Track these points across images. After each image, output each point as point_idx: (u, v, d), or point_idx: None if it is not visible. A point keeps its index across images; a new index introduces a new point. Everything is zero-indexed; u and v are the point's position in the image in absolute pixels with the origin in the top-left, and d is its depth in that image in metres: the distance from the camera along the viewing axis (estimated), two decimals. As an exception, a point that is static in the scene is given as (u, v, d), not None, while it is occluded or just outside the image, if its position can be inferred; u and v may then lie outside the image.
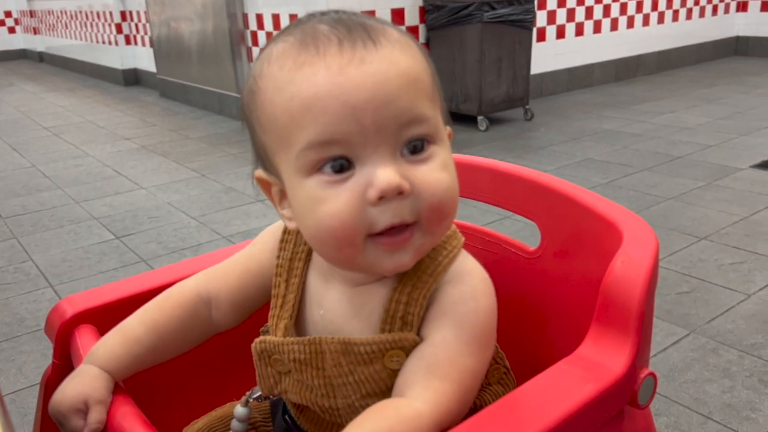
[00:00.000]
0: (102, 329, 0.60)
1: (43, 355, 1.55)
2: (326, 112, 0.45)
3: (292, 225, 0.53)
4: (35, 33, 8.05)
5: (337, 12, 0.51)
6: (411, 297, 0.52)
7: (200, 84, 4.52)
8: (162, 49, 4.97)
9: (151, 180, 2.94)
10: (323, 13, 0.51)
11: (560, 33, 4.32)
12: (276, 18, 3.74)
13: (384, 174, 0.45)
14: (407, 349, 0.51)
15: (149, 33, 5.22)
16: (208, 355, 0.64)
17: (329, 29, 0.47)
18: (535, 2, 3.53)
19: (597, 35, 4.53)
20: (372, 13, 3.43)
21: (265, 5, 3.81)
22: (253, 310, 0.62)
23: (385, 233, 0.47)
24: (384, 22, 0.51)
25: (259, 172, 0.54)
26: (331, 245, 0.48)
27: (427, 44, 3.59)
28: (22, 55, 8.44)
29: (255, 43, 3.99)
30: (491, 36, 3.34)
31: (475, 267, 0.55)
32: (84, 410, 0.53)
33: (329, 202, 0.46)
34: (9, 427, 0.31)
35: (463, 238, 0.57)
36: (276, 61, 0.48)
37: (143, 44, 5.54)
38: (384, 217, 0.46)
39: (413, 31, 3.62)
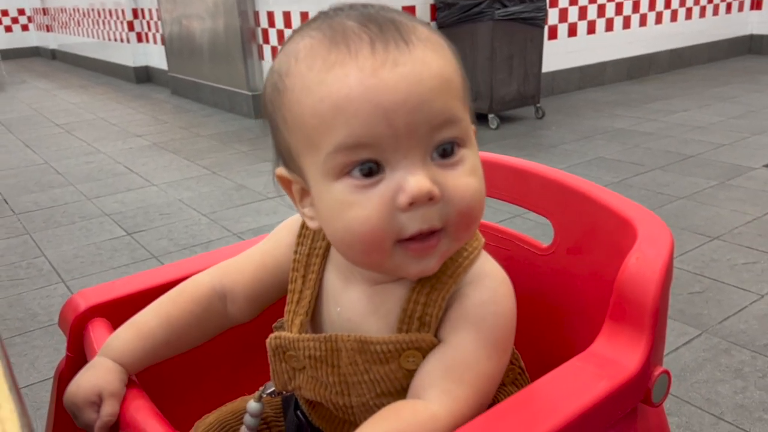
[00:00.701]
0: (115, 323, 0.61)
1: (56, 350, 1.56)
2: (357, 115, 0.44)
3: (314, 225, 0.52)
4: (48, 30, 8.10)
5: (364, 6, 0.49)
6: (430, 298, 0.52)
7: (211, 82, 4.54)
8: (173, 46, 4.99)
9: (162, 177, 2.96)
10: (350, 7, 0.49)
11: (572, 31, 4.30)
12: (287, 15, 3.75)
13: (415, 180, 0.45)
14: (424, 350, 0.51)
15: (161, 31, 5.24)
16: (221, 348, 0.64)
17: (359, 27, 0.46)
18: (547, 0, 3.51)
19: (609, 33, 4.51)
20: (383, 10, 3.43)
21: (275, 3, 3.81)
22: (268, 304, 0.62)
23: (414, 239, 0.47)
24: (412, 17, 0.49)
25: (281, 170, 0.53)
26: (359, 250, 0.48)
27: (438, 42, 3.58)
28: (35, 52, 8.50)
29: (266, 40, 4.00)
30: (502, 34, 3.33)
31: (496, 269, 0.54)
32: (97, 402, 0.53)
33: (358, 207, 0.46)
34: (26, 419, 0.31)
35: (483, 240, 0.56)
36: (304, 59, 0.47)
37: (155, 42, 5.57)
38: (413, 223, 0.46)
39: (424, 28, 3.61)
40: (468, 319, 0.51)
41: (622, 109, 3.82)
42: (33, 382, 1.43)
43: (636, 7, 4.62)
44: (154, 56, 5.62)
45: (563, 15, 4.22)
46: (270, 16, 3.89)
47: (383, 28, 0.46)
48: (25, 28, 8.42)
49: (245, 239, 2.15)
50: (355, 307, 0.54)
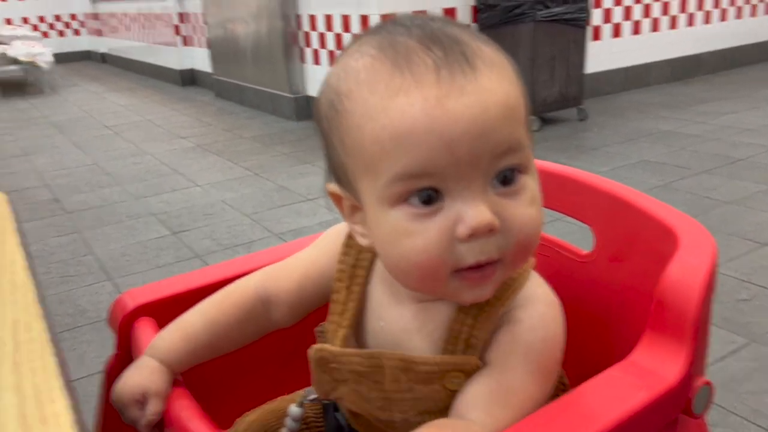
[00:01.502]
0: (161, 322, 0.63)
1: (103, 346, 1.62)
2: (420, 145, 0.43)
3: (364, 241, 0.52)
4: (99, 35, 8.36)
5: (426, 20, 0.48)
6: (477, 320, 0.51)
7: (254, 84, 4.61)
8: (218, 50, 5.09)
9: (205, 178, 3.02)
10: (411, 20, 0.48)
11: (616, 31, 4.22)
12: (329, 18, 3.78)
13: (476, 211, 0.44)
14: (468, 372, 0.51)
15: (206, 34, 5.35)
16: (262, 347, 0.65)
17: (423, 49, 0.45)
18: (590, 0, 3.46)
19: (655, 33, 4.41)
20: (423, 12, 3.43)
21: (318, 6, 3.85)
22: (310, 311, 0.63)
23: (470, 269, 0.46)
24: (475, 34, 0.48)
25: (332, 187, 0.52)
26: (415, 277, 0.47)
27: (479, 44, 3.57)
28: (86, 56, 8.77)
29: (308, 44, 4.04)
30: (544, 35, 3.29)
31: (546, 292, 0.54)
32: (143, 401, 0.55)
33: (416, 236, 0.45)
34: (78, 415, 0.33)
35: (534, 260, 0.55)
36: (366, 82, 0.46)
37: (200, 45, 5.69)
38: (471, 254, 0.45)
39: (465, 30, 3.60)
40: (516, 343, 0.50)
41: (668, 111, 3.74)
42: (81, 377, 1.48)
43: (683, 7, 4.51)
44: (199, 59, 5.74)
45: (607, 15, 4.15)
46: (312, 19, 3.93)
47: (447, 50, 0.45)
48: (77, 32, 8.71)
49: (286, 240, 2.18)
50: (400, 322, 0.54)
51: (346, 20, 3.63)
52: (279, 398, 0.68)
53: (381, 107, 0.44)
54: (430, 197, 0.45)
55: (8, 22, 8.08)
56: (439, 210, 0.45)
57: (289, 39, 4.11)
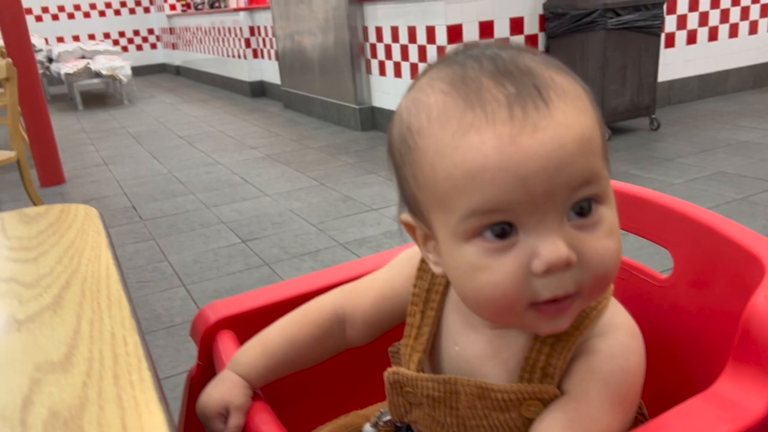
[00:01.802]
0: (241, 334, 0.65)
1: (176, 350, 1.68)
2: (493, 182, 0.43)
3: (438, 270, 0.52)
4: (174, 48, 8.72)
5: (492, 49, 0.47)
6: (554, 349, 0.50)
7: (320, 95, 4.70)
8: (286, 62, 5.22)
9: (274, 187, 3.10)
10: (482, 51, 0.47)
11: (691, 38, 4.08)
12: (395, 30, 3.82)
13: (552, 246, 0.43)
14: (547, 401, 0.50)
15: (275, 47, 5.49)
16: (337, 361, 0.67)
17: (495, 85, 0.44)
18: (664, 7, 3.36)
19: (733, 40, 4.23)
20: (490, 24, 3.41)
21: (384, 18, 3.90)
22: (385, 330, 0.64)
23: (547, 302, 0.45)
24: (547, 61, 0.47)
25: (406, 217, 0.52)
26: (491, 310, 0.47)
27: (547, 52, 3.52)
28: (162, 69, 9.17)
29: (374, 55, 4.09)
30: (615, 43, 3.22)
31: (626, 321, 0.52)
32: (225, 414, 0.58)
33: (491, 271, 0.45)
34: (173, 427, 0.35)
35: (613, 287, 0.54)
36: (437, 119, 0.45)
37: (269, 58, 5.85)
38: (548, 289, 0.44)
39: (533, 40, 3.56)
40: (595, 373, 0.49)
41: (747, 120, 3.57)
42: (157, 380, 1.54)
43: (765, 11, 4.31)
44: (269, 71, 5.90)
45: (681, 22, 4.01)
46: (378, 31, 3.98)
47: (519, 85, 0.44)
48: (153, 46, 9.12)
49: (351, 249, 2.21)
50: (475, 348, 0.54)
51: (412, 31, 3.66)
52: (352, 413, 0.69)
53: (453, 145, 0.44)
54: (504, 231, 0.44)
55: (91, 37, 8.54)
56: (514, 244, 0.44)
57: (356, 51, 4.17)
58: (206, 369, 0.66)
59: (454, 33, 3.37)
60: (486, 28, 3.43)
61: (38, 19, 8.29)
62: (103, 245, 0.60)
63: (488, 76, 0.45)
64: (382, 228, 2.41)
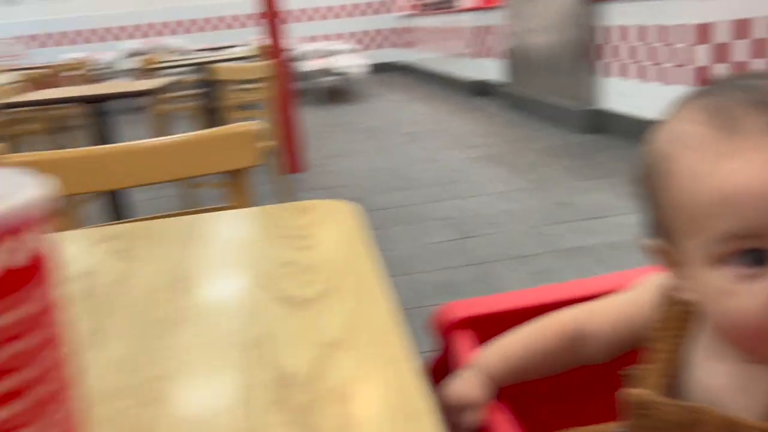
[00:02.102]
0: (480, 334, 0.71)
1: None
2: (748, 208, 0.43)
3: (687, 296, 0.52)
4: (404, 47, 9.19)
5: (745, 80, 0.48)
6: None
7: (544, 96, 4.62)
8: (514, 62, 5.22)
9: (492, 187, 3.13)
10: (739, 83, 0.48)
11: None
12: (642, 31, 3.61)
13: None
14: None
15: (498, 46, 5.52)
16: (567, 376, 0.69)
17: (750, 113, 0.45)
18: None
19: None
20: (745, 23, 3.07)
21: (624, 17, 3.71)
22: (624, 352, 0.64)
23: None
24: None
25: (653, 242, 0.54)
26: (741, 338, 0.47)
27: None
28: (392, 67, 9.70)
29: (615, 56, 3.92)
30: None
31: None
32: (464, 409, 0.63)
33: (740, 297, 0.45)
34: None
35: None
36: (692, 146, 0.47)
37: (492, 57, 5.89)
38: None
39: (797, 38, 3.13)
40: None
41: None
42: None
43: None
44: (491, 71, 5.95)
45: None
46: (623, 30, 3.79)
47: None
48: (385, 46, 9.69)
49: (570, 257, 2.16)
50: (720, 379, 0.53)
51: (662, 32, 3.43)
52: (582, 427, 0.70)
53: (707, 172, 0.45)
54: (758, 257, 0.44)
55: (326, 38, 9.32)
56: (766, 272, 0.44)
57: (591, 51, 4.03)
58: (444, 360, 0.72)
59: (702, 32, 3.10)
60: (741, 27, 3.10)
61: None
62: (365, 238, 0.68)
63: (743, 104, 0.46)
64: (604, 238, 2.32)
